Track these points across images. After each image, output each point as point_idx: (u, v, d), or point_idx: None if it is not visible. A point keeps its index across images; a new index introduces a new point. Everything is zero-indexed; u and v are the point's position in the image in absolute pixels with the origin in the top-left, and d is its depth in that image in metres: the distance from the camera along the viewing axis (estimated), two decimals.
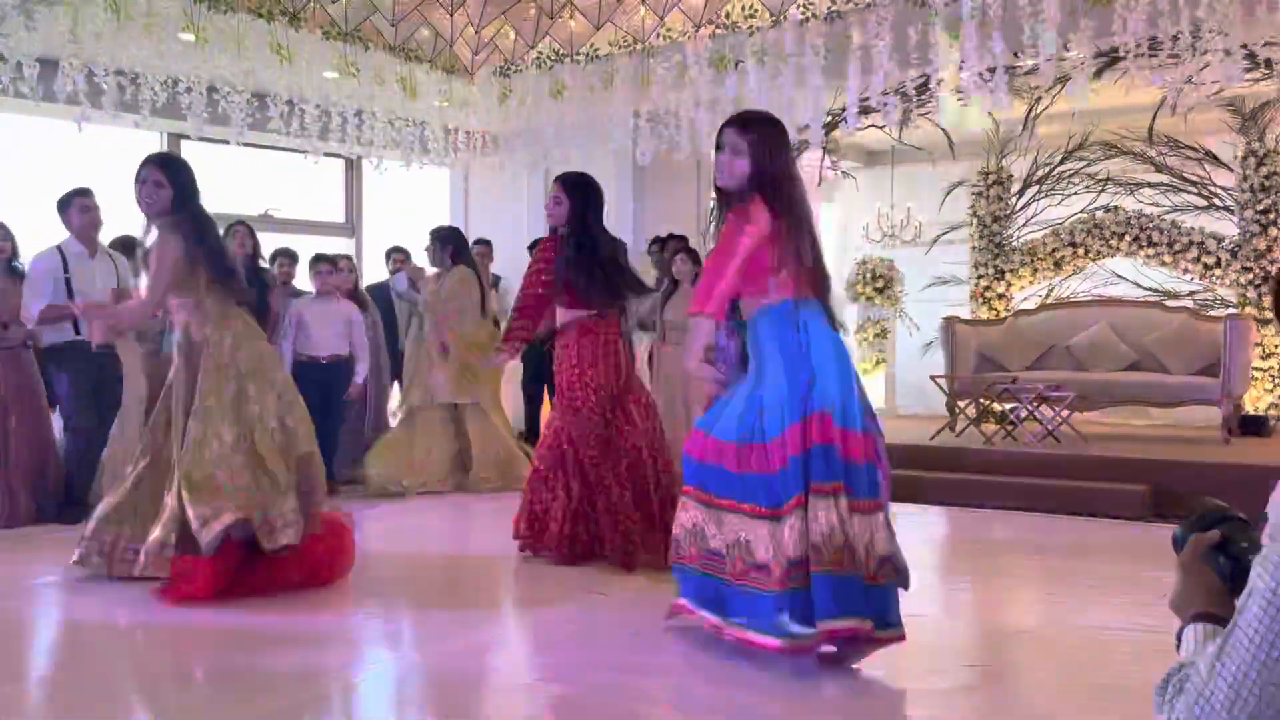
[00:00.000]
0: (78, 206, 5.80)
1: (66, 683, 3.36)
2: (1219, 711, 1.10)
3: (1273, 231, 8.54)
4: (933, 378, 8.68)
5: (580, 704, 3.11)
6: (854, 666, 3.32)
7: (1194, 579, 1.32)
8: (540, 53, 8.28)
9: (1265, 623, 1.08)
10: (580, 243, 4.86)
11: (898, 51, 6.73)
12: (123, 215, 6.12)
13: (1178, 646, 1.29)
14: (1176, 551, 1.38)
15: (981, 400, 8.23)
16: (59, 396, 5.91)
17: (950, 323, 9.05)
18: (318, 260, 7.05)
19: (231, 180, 8.42)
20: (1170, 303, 9.03)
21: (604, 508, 4.85)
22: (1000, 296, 9.79)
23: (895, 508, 3.64)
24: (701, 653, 3.58)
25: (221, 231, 5.18)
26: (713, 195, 10.83)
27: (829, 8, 7.10)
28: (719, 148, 3.47)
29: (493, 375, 7.19)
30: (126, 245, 6.16)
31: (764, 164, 3.37)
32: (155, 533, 4.17)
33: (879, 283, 10.71)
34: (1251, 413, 8.45)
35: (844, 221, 11.80)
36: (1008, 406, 8.09)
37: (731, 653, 3.35)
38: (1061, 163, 9.72)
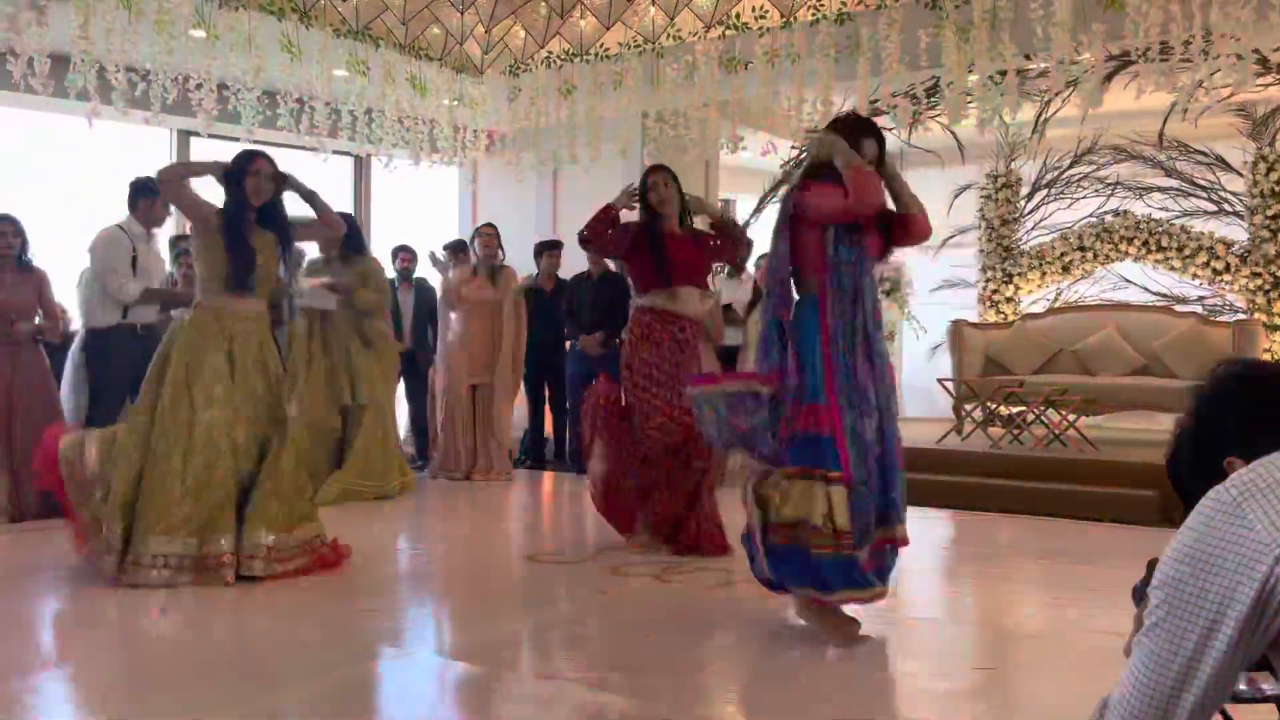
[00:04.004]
0: (162, 200, 5.92)
1: (70, 679, 3.37)
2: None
3: None
4: (940, 381, 8.66)
5: (581, 704, 3.10)
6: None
7: None
8: (550, 52, 8.29)
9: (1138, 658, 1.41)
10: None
11: (908, 53, 6.73)
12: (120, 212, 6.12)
13: None
14: (1135, 604, 1.53)
15: (988, 404, 8.21)
16: (94, 385, 5.96)
17: (958, 326, 9.03)
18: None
19: None
20: (1179, 308, 9.00)
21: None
22: (1008, 300, 9.77)
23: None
24: (703, 652, 3.58)
25: None
26: (722, 196, 10.77)
27: (839, 9, 7.09)
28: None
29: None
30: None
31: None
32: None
33: (886, 285, 10.68)
34: None
35: None
36: (1015, 410, 8.07)
37: (732, 652, 3.34)
38: (1071, 166, 9.69)
